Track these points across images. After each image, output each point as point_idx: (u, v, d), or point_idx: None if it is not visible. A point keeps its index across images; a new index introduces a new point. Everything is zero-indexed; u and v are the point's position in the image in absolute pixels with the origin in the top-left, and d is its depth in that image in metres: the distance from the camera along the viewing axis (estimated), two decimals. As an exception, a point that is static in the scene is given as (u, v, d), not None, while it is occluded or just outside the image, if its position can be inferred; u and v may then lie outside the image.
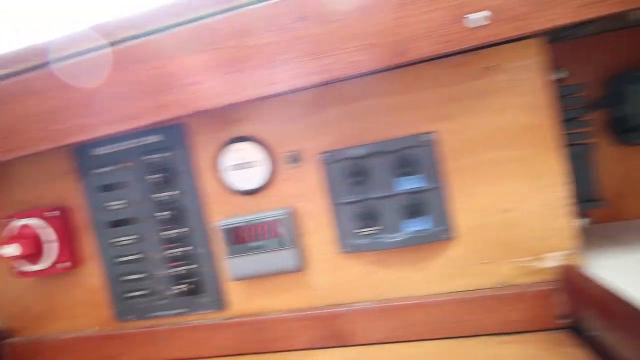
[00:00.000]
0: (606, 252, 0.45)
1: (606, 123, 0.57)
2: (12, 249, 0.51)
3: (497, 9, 0.32)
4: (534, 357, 0.36)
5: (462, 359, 0.38)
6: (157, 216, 0.50)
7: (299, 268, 0.45)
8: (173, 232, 0.50)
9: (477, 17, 0.32)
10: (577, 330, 0.39)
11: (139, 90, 0.40)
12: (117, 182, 0.51)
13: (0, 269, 0.56)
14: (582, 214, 0.42)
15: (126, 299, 0.52)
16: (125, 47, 0.40)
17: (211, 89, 0.38)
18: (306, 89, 0.43)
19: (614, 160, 0.57)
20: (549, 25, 0.32)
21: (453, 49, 0.32)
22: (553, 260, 0.40)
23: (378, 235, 0.44)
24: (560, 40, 0.53)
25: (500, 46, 0.39)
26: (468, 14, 0.32)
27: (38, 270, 0.53)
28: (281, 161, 0.46)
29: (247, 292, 0.49)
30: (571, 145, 0.42)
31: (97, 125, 0.44)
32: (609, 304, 0.31)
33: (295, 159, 0.45)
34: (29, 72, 0.43)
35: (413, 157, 0.42)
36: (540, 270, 0.41)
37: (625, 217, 0.57)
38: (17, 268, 0.54)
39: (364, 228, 0.44)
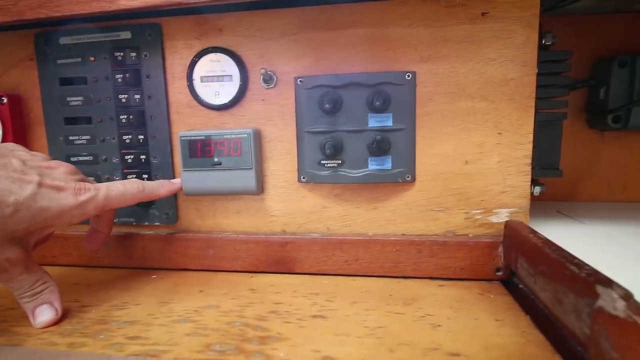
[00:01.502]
0: (553, 224, 0.47)
1: (582, 104, 0.58)
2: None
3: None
4: (464, 300, 0.38)
5: (398, 295, 0.39)
6: (117, 118, 0.47)
7: (256, 191, 0.45)
8: (131, 137, 0.47)
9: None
10: (510, 283, 0.40)
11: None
12: (79, 77, 0.48)
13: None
14: (538, 180, 0.43)
15: (74, 201, 0.50)
16: None
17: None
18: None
19: (579, 142, 0.58)
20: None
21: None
22: (502, 216, 0.41)
23: (339, 169, 0.43)
24: (555, 12, 0.52)
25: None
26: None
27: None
28: (254, 80, 0.44)
29: (200, 209, 0.48)
30: (544, 111, 0.42)
31: (61, 3, 0.41)
32: (541, 253, 0.32)
33: (269, 79, 0.44)
34: None
35: (388, 94, 0.41)
36: (489, 224, 0.42)
37: (578, 199, 0.59)
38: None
39: (326, 160, 0.43)
